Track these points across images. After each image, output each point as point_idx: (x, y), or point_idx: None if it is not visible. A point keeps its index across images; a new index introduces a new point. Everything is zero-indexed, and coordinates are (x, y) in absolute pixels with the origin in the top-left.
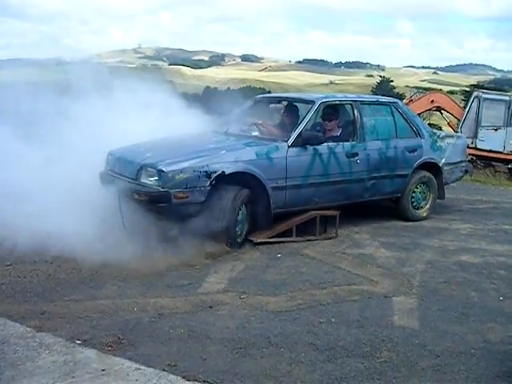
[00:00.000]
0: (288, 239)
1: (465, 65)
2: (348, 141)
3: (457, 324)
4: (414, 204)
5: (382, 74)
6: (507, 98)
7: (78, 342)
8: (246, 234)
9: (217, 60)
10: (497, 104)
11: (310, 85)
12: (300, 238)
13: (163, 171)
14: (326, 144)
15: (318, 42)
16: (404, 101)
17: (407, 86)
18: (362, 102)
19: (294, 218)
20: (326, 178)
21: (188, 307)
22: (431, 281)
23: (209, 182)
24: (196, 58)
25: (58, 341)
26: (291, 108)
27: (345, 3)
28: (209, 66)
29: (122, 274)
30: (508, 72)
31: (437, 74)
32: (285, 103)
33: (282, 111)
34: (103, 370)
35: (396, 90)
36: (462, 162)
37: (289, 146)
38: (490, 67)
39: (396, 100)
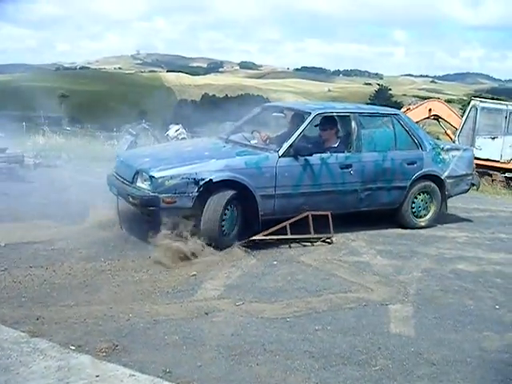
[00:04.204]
0: (283, 237)
1: (462, 74)
2: (343, 152)
3: (453, 332)
4: (414, 211)
5: (380, 82)
6: (504, 107)
7: (73, 347)
8: (239, 239)
9: (215, 67)
10: (494, 113)
11: (308, 93)
12: (295, 236)
13: (154, 177)
14: (318, 155)
15: (314, 49)
16: (402, 109)
17: (404, 95)
18: (361, 114)
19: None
20: (317, 187)
21: (183, 314)
22: (427, 289)
23: (197, 189)
24: (194, 64)
25: (52, 346)
26: (291, 117)
27: (338, 11)
28: (207, 73)
29: (117, 280)
30: (505, 81)
31: (435, 82)
32: (286, 112)
33: (283, 120)
34: (97, 376)
35: (394, 99)
36: (467, 175)
37: (279, 157)
38: (487, 76)
39: (397, 111)
